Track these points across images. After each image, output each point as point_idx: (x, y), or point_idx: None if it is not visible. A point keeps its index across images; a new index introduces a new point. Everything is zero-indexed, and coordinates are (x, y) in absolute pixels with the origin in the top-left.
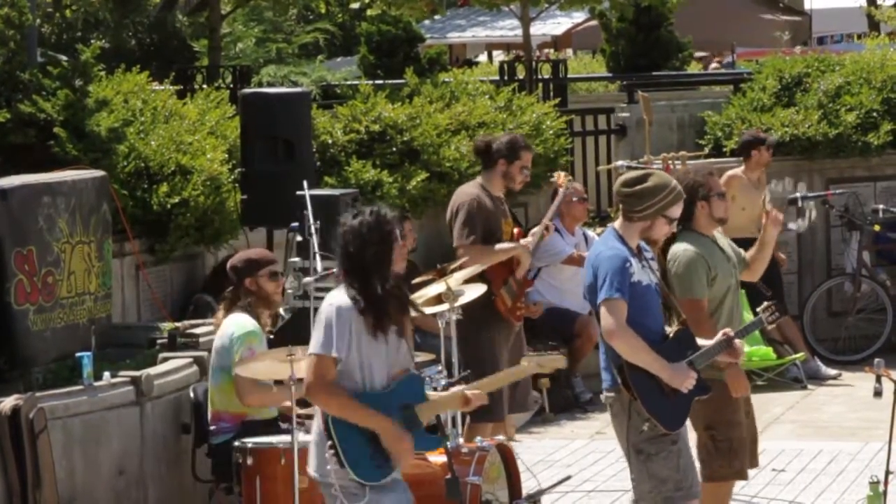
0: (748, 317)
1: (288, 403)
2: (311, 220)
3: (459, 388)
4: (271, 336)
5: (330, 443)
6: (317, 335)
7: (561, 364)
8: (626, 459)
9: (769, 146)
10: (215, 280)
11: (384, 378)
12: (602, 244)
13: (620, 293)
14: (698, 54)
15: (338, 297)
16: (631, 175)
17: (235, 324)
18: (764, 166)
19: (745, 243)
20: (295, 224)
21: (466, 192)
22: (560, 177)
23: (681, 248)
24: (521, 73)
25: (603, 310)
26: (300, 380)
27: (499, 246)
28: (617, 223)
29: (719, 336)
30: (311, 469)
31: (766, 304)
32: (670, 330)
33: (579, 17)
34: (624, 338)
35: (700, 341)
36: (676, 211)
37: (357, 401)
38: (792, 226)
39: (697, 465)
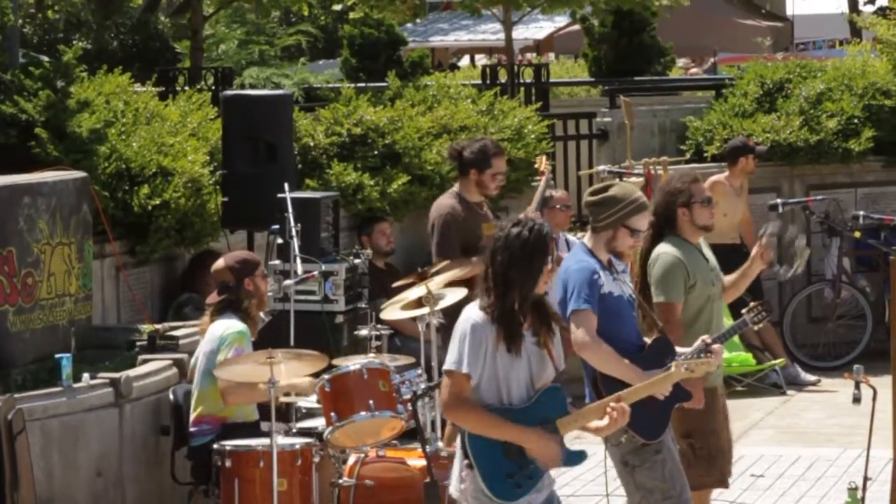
0: (729, 323)
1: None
2: (292, 223)
3: (605, 399)
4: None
5: (467, 461)
6: (451, 350)
7: (712, 367)
8: (616, 471)
9: (757, 155)
10: (188, 279)
11: (524, 392)
12: (571, 258)
13: (589, 304)
14: (682, 62)
15: (474, 311)
16: (596, 185)
17: (225, 326)
18: (748, 174)
19: (726, 249)
20: (276, 226)
21: (441, 204)
22: (541, 161)
23: (661, 251)
24: (503, 77)
25: (572, 322)
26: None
27: (476, 258)
28: (586, 237)
29: (698, 343)
30: (451, 487)
31: (751, 304)
32: (648, 339)
33: (561, 21)
34: (594, 348)
35: (678, 349)
36: (639, 222)
37: (495, 415)
38: (779, 270)
39: None
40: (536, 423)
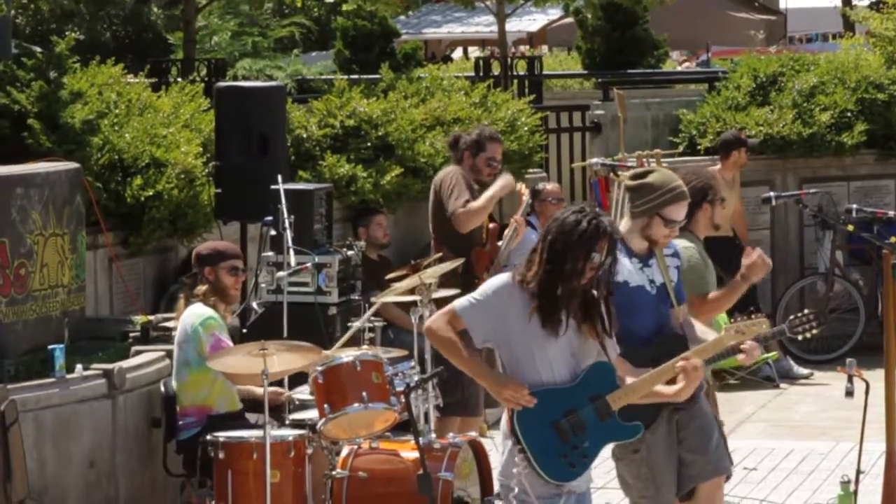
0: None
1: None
2: (285, 215)
3: (661, 367)
4: (244, 331)
5: (519, 446)
6: (468, 296)
7: (763, 329)
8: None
9: (749, 148)
10: (185, 271)
11: (569, 370)
12: None
13: None
14: (675, 56)
15: (507, 275)
16: (638, 170)
17: (193, 314)
18: (740, 167)
19: (719, 242)
20: (269, 218)
21: (447, 168)
22: (521, 188)
23: (682, 244)
24: (496, 70)
25: None
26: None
27: (486, 194)
28: (623, 221)
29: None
30: (499, 474)
31: (801, 313)
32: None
33: (555, 13)
34: None
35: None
36: (674, 212)
37: (466, 351)
38: None
39: None
40: (587, 399)
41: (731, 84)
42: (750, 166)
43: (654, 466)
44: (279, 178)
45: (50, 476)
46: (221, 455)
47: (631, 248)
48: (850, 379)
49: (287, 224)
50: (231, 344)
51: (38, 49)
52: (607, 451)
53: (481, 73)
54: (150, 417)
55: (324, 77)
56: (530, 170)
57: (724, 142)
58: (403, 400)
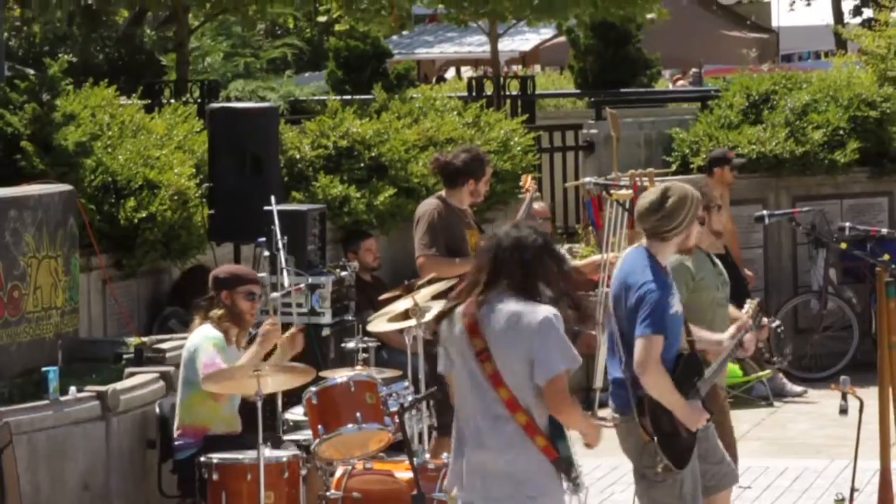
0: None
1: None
2: (279, 236)
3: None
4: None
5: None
6: (555, 350)
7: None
8: (634, 481)
9: (733, 167)
10: (177, 294)
11: None
12: (641, 271)
13: (661, 332)
14: (668, 74)
15: (550, 309)
16: (649, 199)
17: (199, 334)
18: (726, 185)
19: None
20: (262, 239)
21: (428, 203)
22: (526, 180)
23: (673, 258)
24: (489, 89)
25: (640, 343)
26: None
27: (459, 259)
28: (647, 243)
29: (723, 356)
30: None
31: (756, 301)
32: (683, 350)
33: (547, 33)
34: (655, 376)
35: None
36: (700, 209)
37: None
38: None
39: None
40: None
41: (723, 103)
42: (743, 185)
43: (693, 483)
44: (272, 199)
45: (44, 499)
46: (215, 476)
47: (664, 267)
48: (843, 397)
49: (280, 245)
50: (224, 365)
51: (31, 71)
52: (605, 467)
53: (474, 93)
54: (144, 439)
55: (316, 98)
56: (523, 191)
57: (710, 159)
58: (397, 420)
